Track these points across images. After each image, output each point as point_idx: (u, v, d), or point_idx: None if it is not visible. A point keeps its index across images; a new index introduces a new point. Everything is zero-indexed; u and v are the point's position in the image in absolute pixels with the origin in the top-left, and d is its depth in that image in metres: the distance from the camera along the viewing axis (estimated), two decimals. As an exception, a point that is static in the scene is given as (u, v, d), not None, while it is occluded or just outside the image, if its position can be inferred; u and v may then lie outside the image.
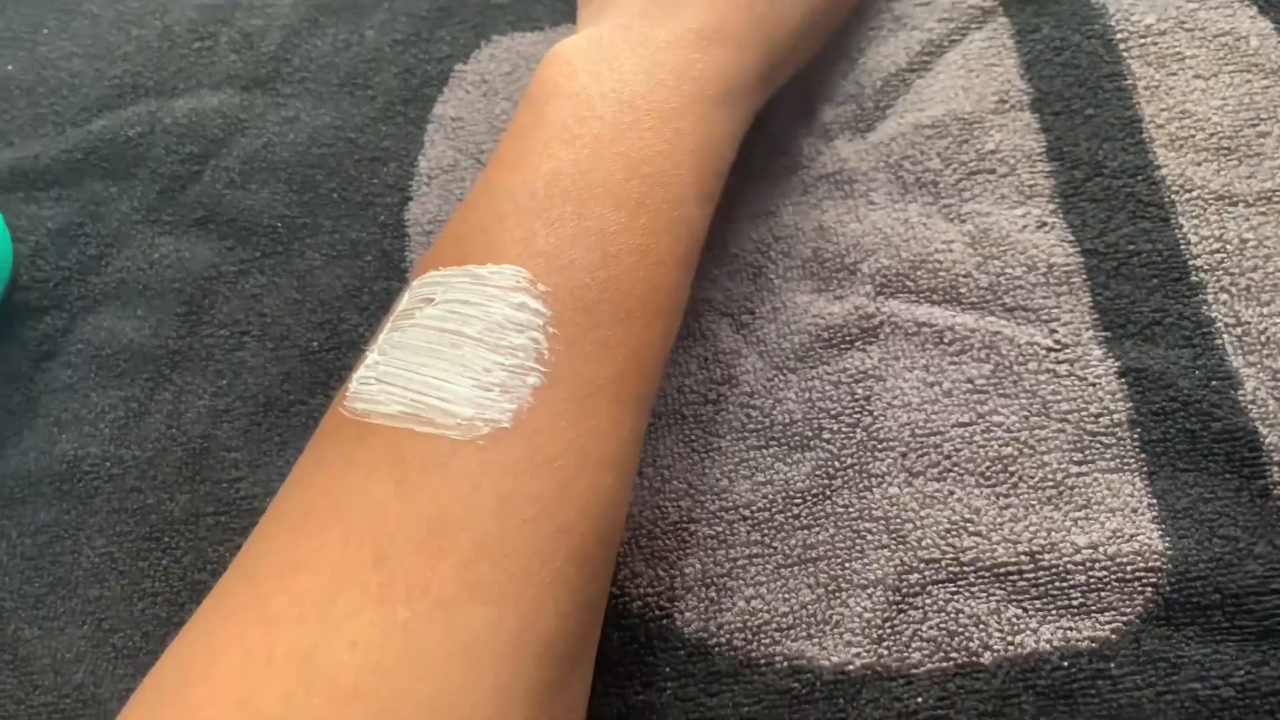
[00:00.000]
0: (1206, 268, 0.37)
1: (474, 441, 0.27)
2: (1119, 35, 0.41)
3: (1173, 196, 0.38)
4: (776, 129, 0.40)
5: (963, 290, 0.37)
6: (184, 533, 0.36)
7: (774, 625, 0.33)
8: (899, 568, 0.33)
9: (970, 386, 0.36)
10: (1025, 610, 0.33)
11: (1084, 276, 0.37)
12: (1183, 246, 0.37)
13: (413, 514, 0.26)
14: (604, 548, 0.29)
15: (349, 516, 0.27)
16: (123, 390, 0.38)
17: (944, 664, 0.32)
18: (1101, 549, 0.33)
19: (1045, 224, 0.38)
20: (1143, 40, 0.41)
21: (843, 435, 0.35)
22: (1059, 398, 0.35)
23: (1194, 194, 0.38)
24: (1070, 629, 0.32)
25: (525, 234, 0.30)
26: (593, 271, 0.30)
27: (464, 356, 0.28)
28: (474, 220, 0.31)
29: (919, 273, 0.38)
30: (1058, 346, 0.36)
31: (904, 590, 0.33)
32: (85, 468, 0.37)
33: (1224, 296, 0.36)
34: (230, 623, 0.26)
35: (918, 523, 0.34)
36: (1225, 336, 0.36)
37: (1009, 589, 0.33)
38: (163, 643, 0.34)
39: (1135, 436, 0.35)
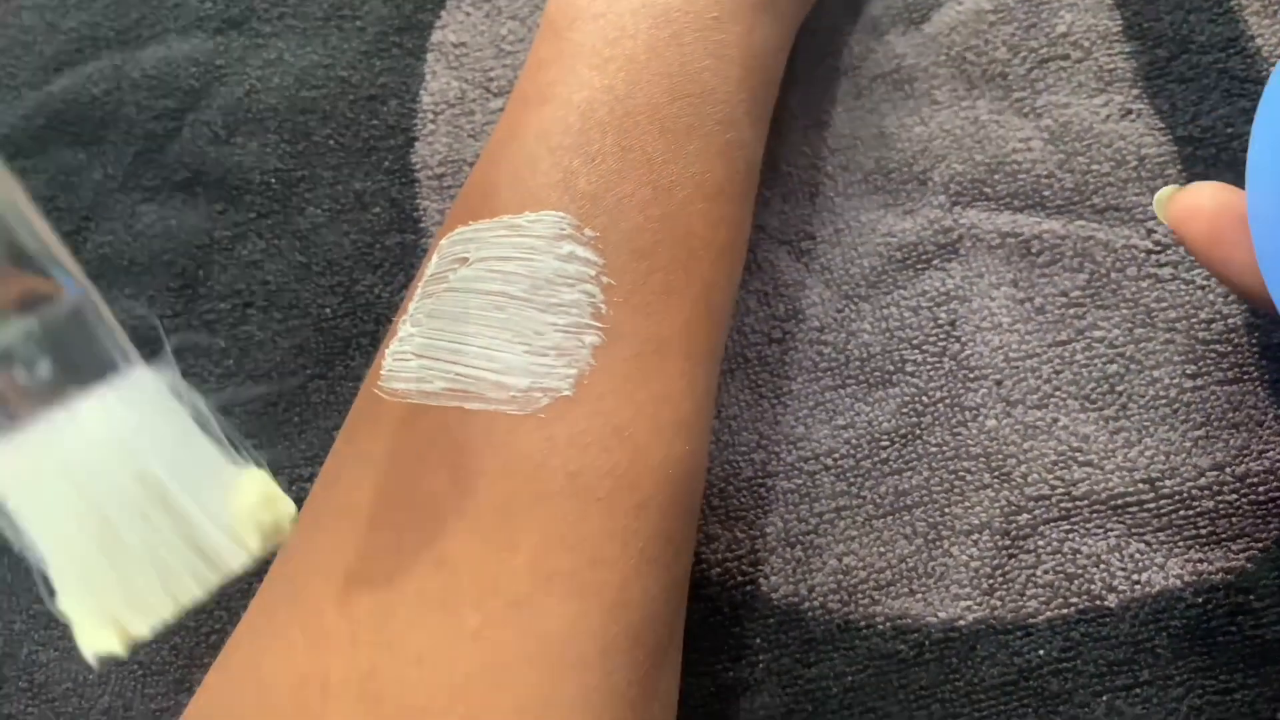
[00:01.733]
0: (1316, 146, 0.33)
1: (534, 415, 0.24)
2: (1193, -108, 0.37)
3: (1271, 70, 0.34)
4: (821, 27, 0.36)
5: (1046, 193, 0.33)
6: (204, 532, 0.32)
7: (871, 583, 0.30)
8: (1005, 509, 0.30)
9: (1065, 300, 0.32)
10: (1149, 545, 0.29)
11: (1179, 167, 0.33)
12: (1287, 125, 0.33)
13: (473, 505, 0.23)
14: (686, 521, 0.26)
15: (400, 514, 0.24)
16: (119, 379, 0.34)
17: (1064, 610, 0.29)
18: (1228, 470, 0.30)
19: (1130, 111, 0.34)
20: (1220, -104, 0.36)
21: (929, 367, 0.32)
22: (1164, 305, 0.32)
23: (1294, 64, 0.34)
24: (1201, 561, 0.29)
25: (564, 174, 0.26)
26: (644, 209, 0.26)
27: (510, 320, 0.25)
28: (503, 167, 0.27)
29: (996, 177, 0.34)
30: (1158, 248, 0.32)
31: (1013, 533, 0.30)
32: (87, 468, 0.33)
33: (1340, 177, 0.32)
34: (277, 645, 0.23)
35: (1021, 457, 0.31)
36: (1345, 222, 0.32)
37: (1129, 523, 0.30)
38: (192, 656, 0.31)
39: (1253, 342, 0.31)
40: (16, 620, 0.32)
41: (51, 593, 0.17)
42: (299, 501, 0.29)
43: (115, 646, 0.17)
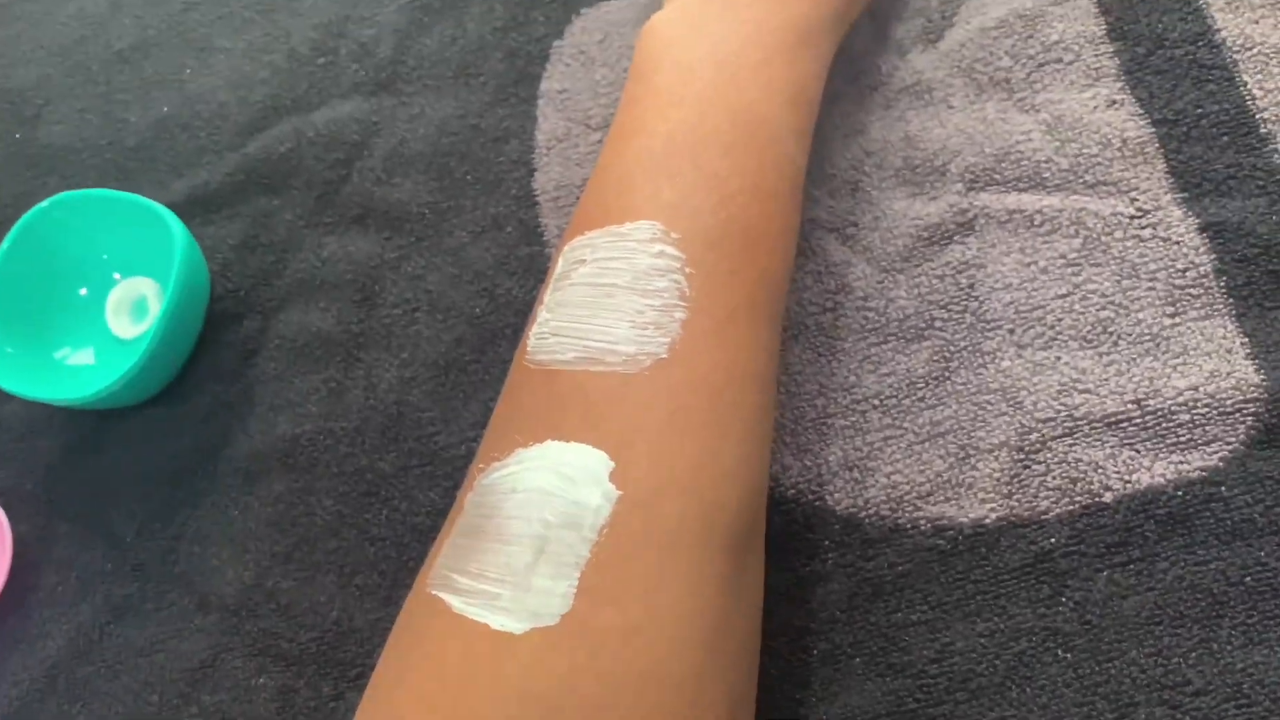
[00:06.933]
0: (1275, 119, 0.40)
1: (641, 373, 0.32)
2: (1166, -91, 0.43)
3: (1234, 56, 0.41)
4: (855, 52, 0.44)
5: (1045, 175, 0.41)
6: (397, 485, 0.42)
7: (914, 494, 0.38)
8: (1019, 430, 0.38)
9: (1064, 261, 0.40)
10: (1138, 451, 0.37)
11: (1157, 145, 0.40)
12: (1249, 102, 0.40)
13: (598, 439, 0.32)
14: (760, 447, 0.34)
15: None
16: (321, 373, 0.45)
17: (1070, 507, 0.37)
18: (1201, 389, 0.37)
19: (1115, 101, 0.41)
20: (1189, -90, 0.43)
21: (954, 322, 0.40)
22: (1146, 259, 0.39)
23: (1254, 50, 0.41)
24: (1181, 462, 0.36)
25: (653, 190, 0.35)
26: (714, 213, 0.34)
27: (619, 304, 0.33)
28: (608, 186, 0.36)
29: (1004, 165, 0.41)
30: (1140, 214, 0.40)
31: (1026, 449, 0.38)
32: (304, 442, 0.44)
33: (1293, 143, 0.39)
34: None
35: (1031, 389, 0.38)
36: (1298, 180, 0.39)
37: (1121, 435, 0.37)
38: (396, 579, 0.41)
39: (1222, 285, 0.38)
40: (263, 559, 0.42)
41: None
42: (473, 454, 0.38)
43: None
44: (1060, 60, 0.42)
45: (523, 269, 0.44)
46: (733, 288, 0.34)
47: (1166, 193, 0.40)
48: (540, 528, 0.30)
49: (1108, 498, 0.37)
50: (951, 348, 0.39)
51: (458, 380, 0.43)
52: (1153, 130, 0.40)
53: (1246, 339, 0.37)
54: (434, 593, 0.31)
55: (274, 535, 0.43)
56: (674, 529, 0.31)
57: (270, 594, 0.42)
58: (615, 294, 0.33)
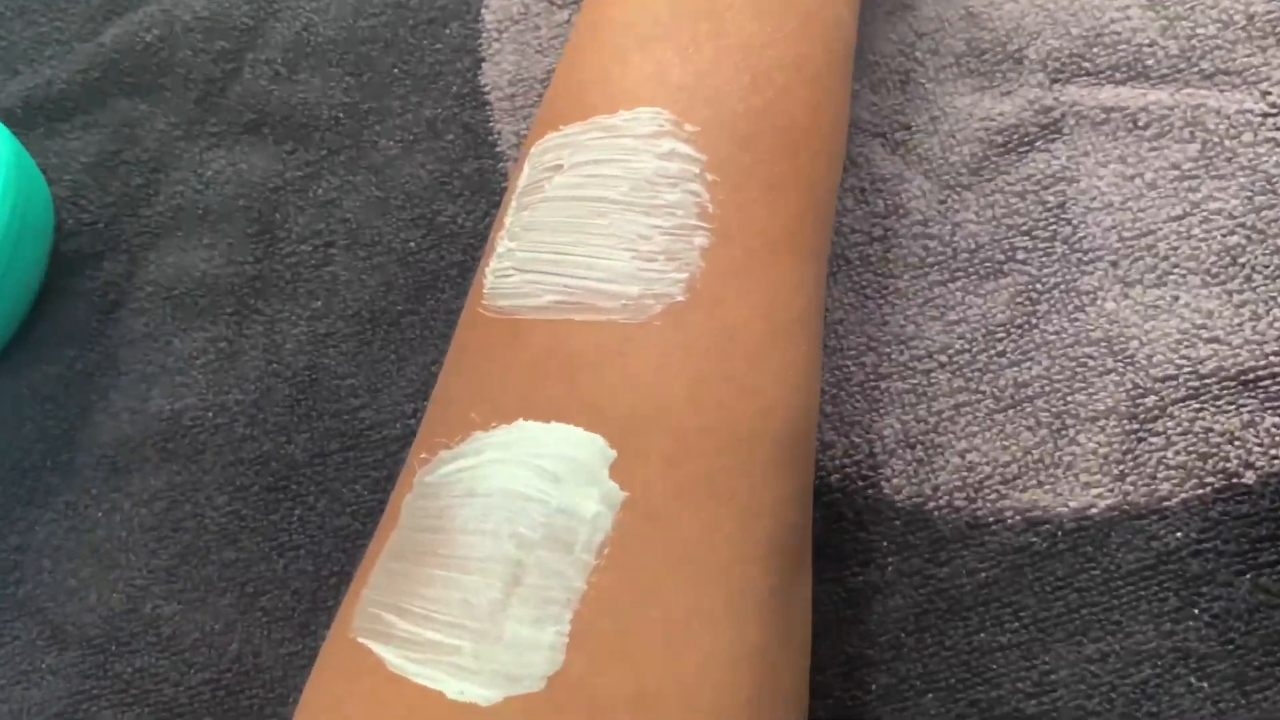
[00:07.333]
0: None
1: (648, 323, 0.23)
2: None
3: (1383, -91, 0.32)
4: (897, -94, 0.34)
5: (1149, 63, 0.32)
6: (311, 476, 0.33)
7: (997, 478, 0.29)
8: (1131, 392, 0.29)
9: (1178, 173, 0.31)
10: (1285, 417, 0.29)
11: (1291, 22, 0.32)
12: (1405, -33, 0.31)
13: (598, 418, 0.22)
14: (808, 423, 0.25)
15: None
16: (207, 330, 0.34)
17: (1200, 491, 0.29)
18: (1363, 336, 0.29)
19: (1234, -33, 0.32)
20: None
21: (1040, 253, 0.31)
22: (1285, 169, 0.30)
23: None
24: (1341, 431, 0.28)
25: (657, 67, 0.25)
26: (745, 98, 0.25)
27: (613, 225, 0.24)
28: (589, 66, 0.26)
29: (1095, 50, 0.32)
30: (1274, 110, 0.31)
31: (1140, 416, 0.29)
32: (186, 422, 0.34)
33: None
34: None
35: (1143, 338, 0.30)
36: None
37: (1261, 396, 0.29)
38: (315, 599, 0.32)
39: (1382, 200, 0.30)
40: (137, 576, 0.32)
41: None
42: (410, 435, 0.29)
43: None
44: (1163, -86, 0.33)
45: (470, 189, 0.34)
46: (773, 205, 0.25)
47: (1307, 83, 0.31)
48: (513, 548, 0.21)
49: (1249, 478, 0.28)
50: (1039, 287, 0.31)
51: (388, 337, 0.33)
52: (1285, 3, 0.32)
53: None
54: (360, 640, 0.22)
55: (151, 545, 0.33)
56: (703, 545, 0.22)
57: (148, 622, 0.32)
58: (608, 212, 0.24)
